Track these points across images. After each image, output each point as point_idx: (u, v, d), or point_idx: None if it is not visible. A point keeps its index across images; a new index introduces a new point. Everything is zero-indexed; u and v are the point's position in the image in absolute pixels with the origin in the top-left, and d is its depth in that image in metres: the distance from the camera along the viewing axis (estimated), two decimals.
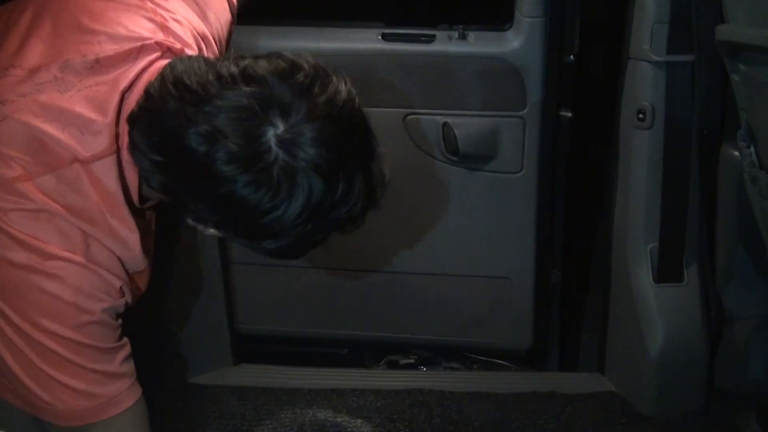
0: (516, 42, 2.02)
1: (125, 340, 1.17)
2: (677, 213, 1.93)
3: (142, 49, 1.12)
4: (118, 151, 1.08)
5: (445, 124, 2.08)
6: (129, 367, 1.17)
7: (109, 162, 1.08)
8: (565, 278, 2.30)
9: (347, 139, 1.03)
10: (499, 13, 2.09)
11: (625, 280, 2.02)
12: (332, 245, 2.22)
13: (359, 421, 2.00)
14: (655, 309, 1.97)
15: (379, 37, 2.06)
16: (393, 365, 2.36)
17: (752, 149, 1.54)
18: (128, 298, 1.17)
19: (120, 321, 1.16)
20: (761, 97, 1.49)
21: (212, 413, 2.03)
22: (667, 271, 1.97)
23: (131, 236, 1.13)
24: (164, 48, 1.15)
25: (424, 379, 2.21)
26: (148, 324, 2.02)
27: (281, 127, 0.98)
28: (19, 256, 1.05)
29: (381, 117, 2.08)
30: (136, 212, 1.14)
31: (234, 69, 1.01)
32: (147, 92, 1.05)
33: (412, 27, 2.06)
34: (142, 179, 1.10)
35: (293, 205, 1.00)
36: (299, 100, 1.00)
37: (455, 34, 2.04)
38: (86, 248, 1.08)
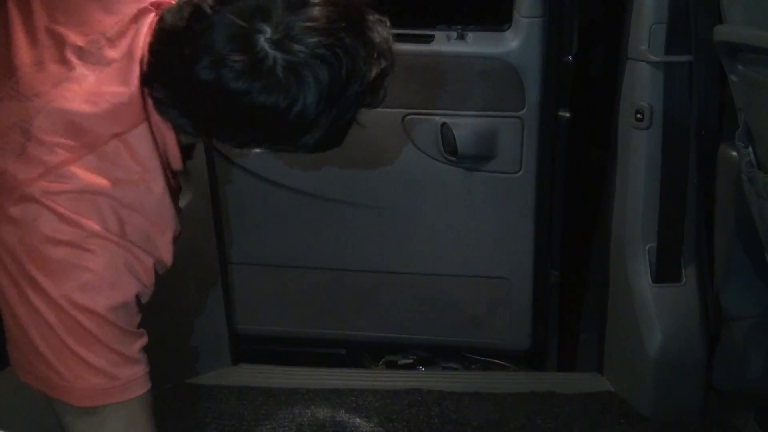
0: (514, 42, 2.02)
1: (143, 331, 1.21)
2: (675, 213, 1.94)
3: (139, 14, 1.18)
4: (148, 117, 1.15)
5: (443, 124, 2.08)
6: (144, 357, 1.21)
7: (142, 129, 1.15)
8: (563, 278, 2.30)
9: (334, 17, 1.08)
10: (498, 13, 2.09)
11: (624, 280, 2.02)
12: (331, 244, 2.24)
13: (358, 421, 2.00)
14: (654, 309, 1.97)
15: None
16: (391, 365, 2.36)
17: (750, 149, 1.55)
18: (155, 277, 1.22)
19: (140, 313, 1.21)
20: (759, 97, 1.49)
21: (211, 413, 2.03)
22: (665, 271, 1.97)
23: (167, 199, 1.20)
24: (156, 5, 1.20)
25: (422, 379, 2.22)
26: (147, 324, 2.02)
27: (269, 30, 1.05)
28: (65, 233, 1.11)
29: (380, 117, 2.08)
30: (172, 175, 1.22)
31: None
32: (149, 52, 1.13)
33: (411, 27, 2.06)
34: (178, 131, 1.17)
35: (308, 95, 1.07)
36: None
37: (454, 35, 2.04)
38: (122, 228, 1.14)
